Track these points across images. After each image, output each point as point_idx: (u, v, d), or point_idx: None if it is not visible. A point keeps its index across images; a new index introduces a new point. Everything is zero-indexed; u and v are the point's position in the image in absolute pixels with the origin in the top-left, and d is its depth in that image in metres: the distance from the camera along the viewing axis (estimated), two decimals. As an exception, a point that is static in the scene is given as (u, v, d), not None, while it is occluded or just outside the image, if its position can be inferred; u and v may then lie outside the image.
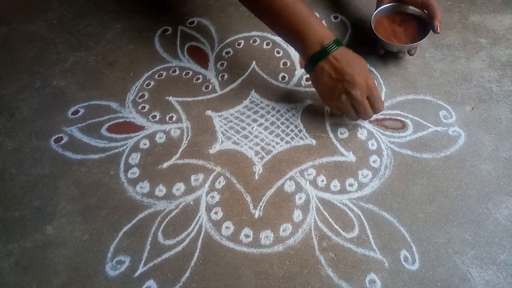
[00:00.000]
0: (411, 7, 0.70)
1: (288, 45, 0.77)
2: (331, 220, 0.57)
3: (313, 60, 0.58)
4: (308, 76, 0.72)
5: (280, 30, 0.62)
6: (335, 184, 0.61)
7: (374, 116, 0.64)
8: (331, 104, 0.63)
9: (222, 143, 0.66)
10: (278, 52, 0.77)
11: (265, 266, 0.54)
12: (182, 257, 0.55)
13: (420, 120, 0.66)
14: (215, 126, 0.68)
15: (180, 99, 0.72)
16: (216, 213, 0.59)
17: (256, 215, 0.58)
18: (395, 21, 0.72)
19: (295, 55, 0.76)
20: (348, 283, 0.52)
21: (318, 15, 0.81)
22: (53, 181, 0.63)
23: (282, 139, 0.66)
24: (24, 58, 0.79)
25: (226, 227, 0.58)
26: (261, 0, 0.59)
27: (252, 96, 0.71)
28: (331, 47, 0.57)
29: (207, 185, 0.62)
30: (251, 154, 0.64)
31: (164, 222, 0.58)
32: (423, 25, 0.70)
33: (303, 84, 0.72)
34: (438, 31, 0.66)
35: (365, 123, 0.66)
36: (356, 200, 0.59)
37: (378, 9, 0.71)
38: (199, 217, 0.59)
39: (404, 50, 0.69)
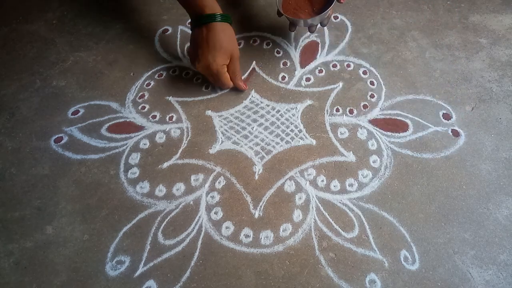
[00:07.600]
0: None
1: (288, 45, 0.77)
2: (331, 220, 0.57)
3: (197, 21, 0.65)
4: (308, 76, 0.73)
5: None
6: (335, 184, 0.61)
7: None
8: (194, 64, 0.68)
9: (222, 143, 0.66)
10: (278, 52, 0.77)
11: (265, 266, 0.54)
12: (182, 257, 0.55)
13: (420, 120, 0.66)
14: (215, 126, 0.68)
15: (180, 99, 0.72)
16: (216, 213, 0.59)
17: (256, 215, 0.58)
18: None
19: (295, 55, 0.76)
20: (348, 283, 0.52)
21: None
22: (53, 181, 0.63)
23: (282, 139, 0.66)
24: (24, 58, 0.79)
25: (226, 227, 0.58)
26: None
27: (252, 96, 0.71)
28: (216, 17, 0.64)
29: (207, 185, 0.62)
30: (251, 154, 0.64)
31: (164, 222, 0.58)
32: None
33: (303, 84, 0.72)
34: (342, 1, 0.66)
35: (365, 123, 0.66)
36: (356, 200, 0.59)
37: None
38: (199, 217, 0.59)
39: (315, 23, 0.68)
